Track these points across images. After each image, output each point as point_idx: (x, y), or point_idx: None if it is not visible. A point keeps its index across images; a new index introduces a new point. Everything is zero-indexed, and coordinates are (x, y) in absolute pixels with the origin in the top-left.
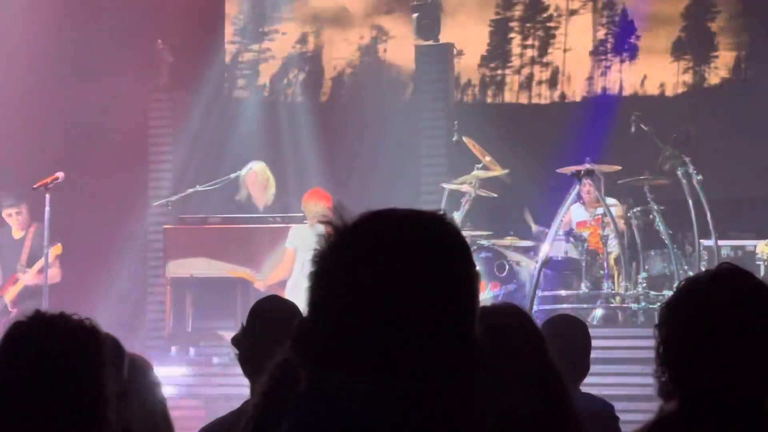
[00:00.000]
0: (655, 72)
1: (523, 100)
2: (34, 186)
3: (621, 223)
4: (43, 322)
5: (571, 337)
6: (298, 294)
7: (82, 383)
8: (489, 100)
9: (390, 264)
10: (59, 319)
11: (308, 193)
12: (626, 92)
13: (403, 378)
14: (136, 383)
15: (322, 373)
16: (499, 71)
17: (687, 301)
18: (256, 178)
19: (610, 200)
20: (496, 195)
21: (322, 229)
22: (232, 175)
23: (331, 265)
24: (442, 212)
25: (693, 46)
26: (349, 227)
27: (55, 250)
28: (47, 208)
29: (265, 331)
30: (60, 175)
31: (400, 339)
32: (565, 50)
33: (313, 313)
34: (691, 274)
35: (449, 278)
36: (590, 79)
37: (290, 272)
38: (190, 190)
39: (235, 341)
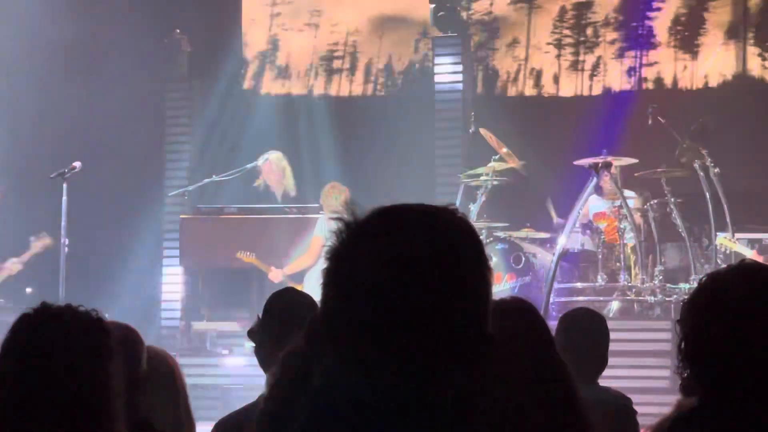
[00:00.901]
0: (672, 65)
1: (541, 92)
2: (52, 175)
3: (638, 216)
4: (49, 314)
5: (589, 331)
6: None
7: (87, 375)
8: (506, 92)
9: (400, 260)
10: (65, 310)
11: (327, 188)
12: (644, 85)
13: (414, 373)
14: (157, 374)
15: (334, 369)
16: (519, 63)
17: (709, 296)
18: (271, 167)
19: (628, 193)
20: (513, 185)
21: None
22: (249, 166)
23: (342, 262)
24: (453, 206)
25: (711, 38)
26: (359, 223)
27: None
28: (64, 198)
29: (282, 323)
30: (77, 164)
31: (411, 334)
32: (581, 43)
33: (326, 309)
34: (707, 267)
35: (460, 273)
36: (609, 72)
37: (316, 260)
38: (207, 180)
39: (252, 334)
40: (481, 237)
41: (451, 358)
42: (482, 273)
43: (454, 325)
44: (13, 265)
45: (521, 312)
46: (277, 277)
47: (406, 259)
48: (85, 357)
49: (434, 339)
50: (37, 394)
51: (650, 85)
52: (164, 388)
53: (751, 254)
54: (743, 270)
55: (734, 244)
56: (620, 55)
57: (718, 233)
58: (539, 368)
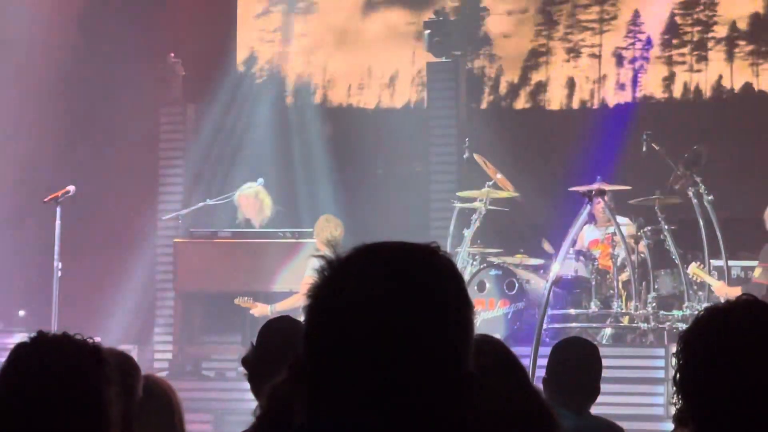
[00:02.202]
0: (669, 82)
1: (536, 108)
2: (45, 199)
3: (631, 243)
4: (46, 343)
5: (582, 360)
6: None
7: (85, 404)
8: (500, 113)
9: (380, 299)
10: (62, 339)
11: (321, 221)
12: (639, 104)
13: (396, 413)
14: (153, 402)
15: (316, 408)
16: (514, 78)
17: (705, 331)
18: (248, 201)
19: (622, 219)
20: (507, 210)
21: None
22: (225, 195)
23: (323, 300)
24: (435, 244)
25: (708, 58)
26: (341, 262)
27: None
28: (58, 222)
29: (275, 351)
30: (71, 188)
31: (392, 374)
32: (577, 58)
33: (308, 348)
34: (701, 294)
35: (441, 312)
36: (602, 89)
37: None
38: (201, 204)
39: (245, 362)
40: (462, 275)
41: (431, 398)
42: (463, 312)
43: (434, 364)
44: None
45: (493, 347)
46: (262, 312)
47: (386, 298)
48: (83, 386)
49: (414, 378)
50: (35, 424)
51: (645, 104)
52: (160, 415)
53: (719, 286)
54: (741, 306)
55: (704, 273)
56: (614, 71)
57: (710, 261)
58: (517, 401)
